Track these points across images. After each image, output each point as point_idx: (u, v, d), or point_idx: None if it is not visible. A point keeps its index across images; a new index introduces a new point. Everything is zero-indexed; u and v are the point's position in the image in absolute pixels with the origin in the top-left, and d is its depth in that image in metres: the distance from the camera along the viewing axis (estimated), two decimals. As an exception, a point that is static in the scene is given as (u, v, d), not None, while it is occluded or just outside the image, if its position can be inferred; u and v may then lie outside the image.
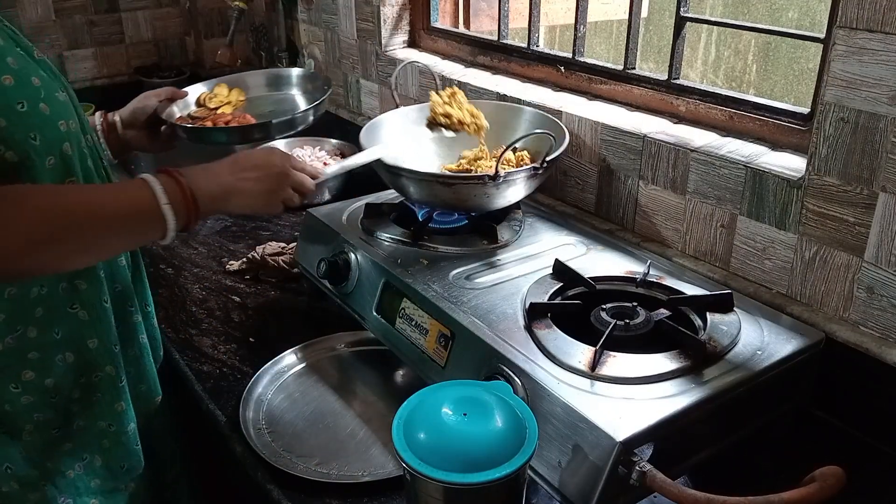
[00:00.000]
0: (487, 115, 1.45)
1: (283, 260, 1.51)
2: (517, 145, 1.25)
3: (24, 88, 0.87)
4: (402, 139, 1.38)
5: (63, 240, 0.84)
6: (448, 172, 1.35)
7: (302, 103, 1.62)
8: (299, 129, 1.48)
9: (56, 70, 1.00)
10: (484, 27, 1.93)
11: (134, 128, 1.33)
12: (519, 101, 1.50)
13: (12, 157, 0.86)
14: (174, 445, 1.24)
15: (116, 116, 1.32)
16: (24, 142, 0.86)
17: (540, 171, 1.22)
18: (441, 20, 1.91)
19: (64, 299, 0.98)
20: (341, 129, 2.05)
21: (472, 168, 1.36)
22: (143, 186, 0.91)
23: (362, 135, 1.37)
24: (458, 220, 1.32)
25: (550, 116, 1.39)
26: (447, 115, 1.30)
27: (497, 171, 1.17)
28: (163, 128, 1.38)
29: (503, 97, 1.55)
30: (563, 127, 1.33)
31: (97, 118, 1.29)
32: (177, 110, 1.47)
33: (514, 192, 1.23)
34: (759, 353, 0.98)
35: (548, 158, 1.20)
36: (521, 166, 1.28)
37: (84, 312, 1.01)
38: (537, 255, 1.22)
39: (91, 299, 1.01)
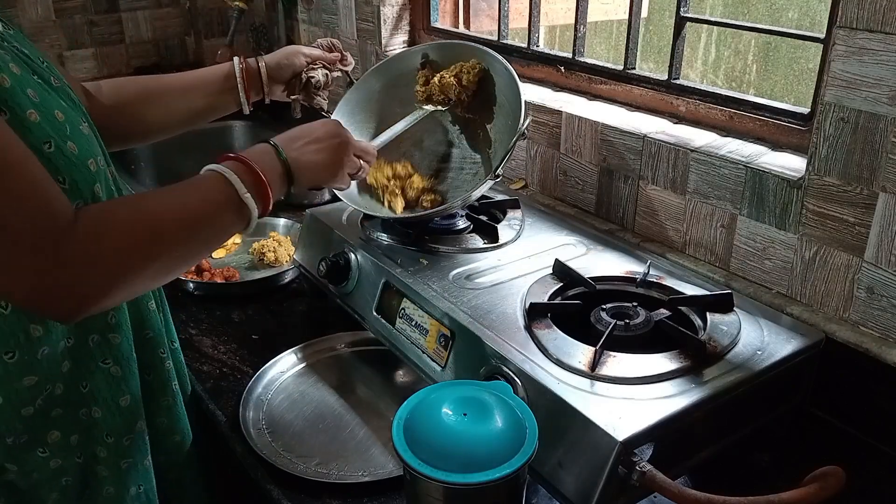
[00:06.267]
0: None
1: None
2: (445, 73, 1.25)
3: (50, 125, 0.78)
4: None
5: (154, 256, 0.79)
6: (407, 214, 1.29)
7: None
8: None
9: (76, 97, 0.90)
10: (484, 27, 1.93)
11: (274, 82, 1.22)
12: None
13: None
14: (204, 495, 1.15)
15: (262, 63, 1.20)
16: None
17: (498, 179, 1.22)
18: (441, 20, 1.91)
19: (95, 353, 0.91)
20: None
21: (405, 187, 1.32)
22: (219, 179, 0.85)
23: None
24: (458, 220, 1.32)
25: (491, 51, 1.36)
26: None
27: (497, 172, 1.17)
28: (293, 97, 1.24)
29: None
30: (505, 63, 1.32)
31: (236, 63, 1.17)
32: (321, 78, 1.24)
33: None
34: (759, 353, 0.98)
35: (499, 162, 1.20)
36: (447, 93, 1.30)
37: (117, 368, 0.93)
38: (537, 255, 1.22)
39: (125, 353, 0.93)
